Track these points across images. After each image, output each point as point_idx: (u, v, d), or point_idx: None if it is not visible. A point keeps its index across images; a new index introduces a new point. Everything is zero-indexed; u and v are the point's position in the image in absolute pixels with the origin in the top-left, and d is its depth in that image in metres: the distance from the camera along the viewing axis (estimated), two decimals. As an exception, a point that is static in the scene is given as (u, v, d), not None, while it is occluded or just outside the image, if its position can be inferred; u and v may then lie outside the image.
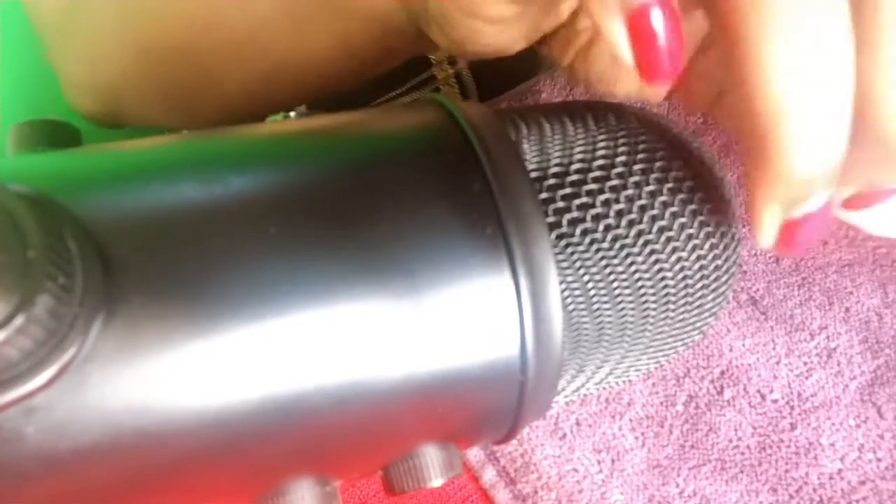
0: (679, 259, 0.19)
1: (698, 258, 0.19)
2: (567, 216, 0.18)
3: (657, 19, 0.15)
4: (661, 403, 0.28)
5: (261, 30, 0.30)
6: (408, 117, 0.19)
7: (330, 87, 0.33)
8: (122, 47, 0.34)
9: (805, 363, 0.29)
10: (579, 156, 0.19)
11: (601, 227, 0.18)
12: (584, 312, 0.18)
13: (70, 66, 0.37)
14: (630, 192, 0.18)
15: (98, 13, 0.34)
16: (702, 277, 0.19)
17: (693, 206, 0.19)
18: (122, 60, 0.34)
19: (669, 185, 0.19)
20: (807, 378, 0.28)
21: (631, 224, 0.18)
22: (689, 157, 0.20)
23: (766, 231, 0.17)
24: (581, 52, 0.23)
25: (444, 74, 0.48)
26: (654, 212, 0.18)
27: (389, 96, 0.47)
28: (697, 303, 0.20)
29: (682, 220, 0.19)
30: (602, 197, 0.18)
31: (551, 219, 0.18)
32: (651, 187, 0.18)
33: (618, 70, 0.23)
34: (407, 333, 0.16)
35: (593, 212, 0.18)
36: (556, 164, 0.19)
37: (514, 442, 0.28)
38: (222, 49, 0.31)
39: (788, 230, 0.16)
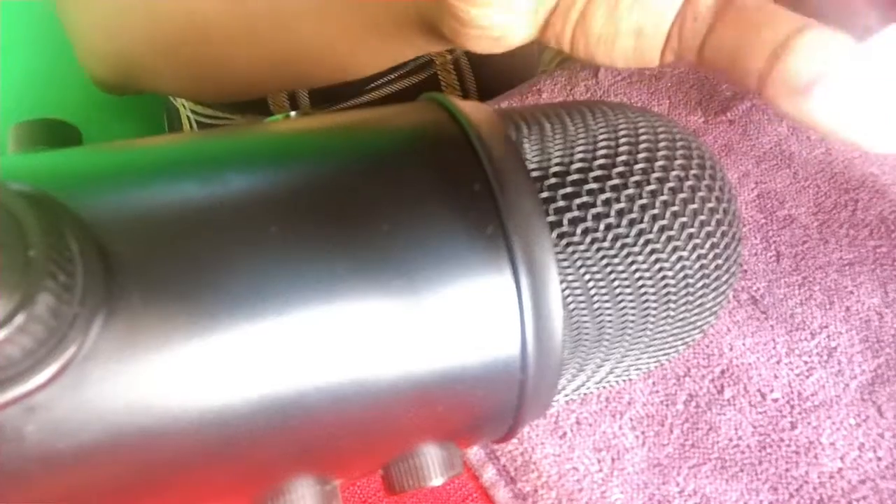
0: (680, 258, 0.19)
1: (699, 257, 0.19)
2: (568, 215, 0.18)
3: None
4: (662, 402, 0.28)
5: (276, 18, 0.30)
6: (408, 117, 0.19)
7: (337, 77, 0.34)
8: (141, 20, 0.34)
9: (805, 362, 0.29)
10: (580, 155, 0.19)
11: (602, 227, 0.18)
12: (584, 311, 0.18)
13: (85, 32, 0.37)
14: (631, 191, 0.18)
15: None
16: (702, 276, 0.19)
17: (694, 206, 0.19)
18: (139, 32, 0.35)
19: (670, 184, 0.19)
20: (807, 377, 0.28)
21: (632, 223, 0.18)
22: (690, 157, 0.20)
23: None
24: (579, 20, 0.23)
25: (443, 60, 0.48)
26: (655, 211, 0.18)
27: (389, 78, 0.47)
28: (698, 302, 0.20)
29: (683, 219, 0.19)
30: (603, 196, 0.18)
31: (552, 218, 0.18)
32: (652, 186, 0.18)
33: (614, 27, 0.23)
34: (407, 332, 0.16)
35: (594, 211, 0.18)
36: (557, 164, 0.19)
37: (515, 441, 0.28)
38: (239, 32, 0.32)
39: None
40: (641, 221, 0.18)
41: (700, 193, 0.19)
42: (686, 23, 0.22)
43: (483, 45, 0.24)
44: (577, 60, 0.25)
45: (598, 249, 0.18)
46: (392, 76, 0.47)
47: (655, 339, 0.20)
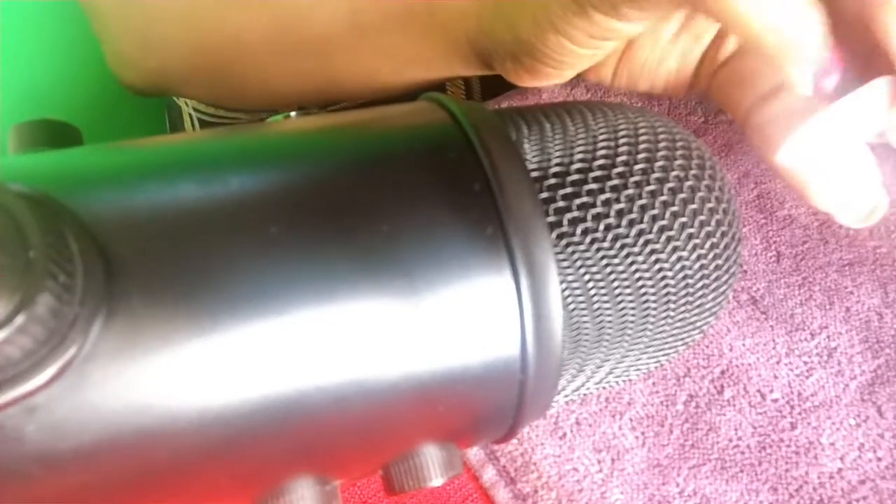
0: (680, 259, 0.19)
1: (699, 258, 0.19)
2: (568, 216, 0.18)
3: None
4: (662, 403, 0.28)
5: (319, 48, 0.31)
6: (409, 117, 0.19)
7: (376, 95, 0.34)
8: (182, 36, 0.35)
9: (805, 363, 0.29)
10: (580, 155, 0.19)
11: (602, 227, 0.18)
12: (584, 312, 0.18)
13: (121, 45, 0.38)
14: (631, 191, 0.18)
15: (159, 6, 0.35)
16: (702, 277, 0.19)
17: (694, 206, 0.19)
18: (179, 47, 0.35)
19: (670, 184, 0.19)
20: (807, 377, 0.28)
21: (632, 223, 0.18)
22: (690, 157, 0.20)
23: None
24: (625, 52, 0.25)
25: None
26: (655, 211, 0.18)
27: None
28: (698, 302, 0.20)
29: (683, 219, 0.19)
30: (603, 196, 0.18)
31: (552, 218, 0.18)
32: (652, 187, 0.18)
33: (657, 56, 0.25)
34: (407, 333, 0.16)
35: (594, 211, 0.18)
36: (557, 164, 0.19)
37: (514, 441, 0.28)
38: (281, 60, 0.33)
39: None
40: (641, 222, 0.18)
41: (700, 194, 0.19)
42: (709, 54, 0.24)
43: (533, 82, 0.25)
44: (617, 89, 0.27)
45: (598, 250, 0.18)
46: None
47: (655, 340, 0.20)
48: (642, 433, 0.28)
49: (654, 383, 0.29)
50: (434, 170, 0.17)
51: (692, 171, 0.19)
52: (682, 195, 0.19)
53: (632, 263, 0.18)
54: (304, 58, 0.32)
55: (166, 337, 0.14)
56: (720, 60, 0.24)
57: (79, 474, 0.15)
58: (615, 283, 0.18)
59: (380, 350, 0.16)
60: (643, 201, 0.18)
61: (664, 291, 0.19)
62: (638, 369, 0.21)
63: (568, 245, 0.18)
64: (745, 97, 0.23)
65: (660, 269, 0.19)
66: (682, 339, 0.21)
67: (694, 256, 0.19)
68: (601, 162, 0.19)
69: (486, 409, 0.18)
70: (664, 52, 0.25)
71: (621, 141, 0.19)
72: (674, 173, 0.19)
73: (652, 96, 0.35)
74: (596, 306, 0.18)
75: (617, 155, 0.19)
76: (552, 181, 0.18)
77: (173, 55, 0.36)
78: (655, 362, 0.21)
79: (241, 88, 0.36)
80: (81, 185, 0.16)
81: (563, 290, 0.18)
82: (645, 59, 0.25)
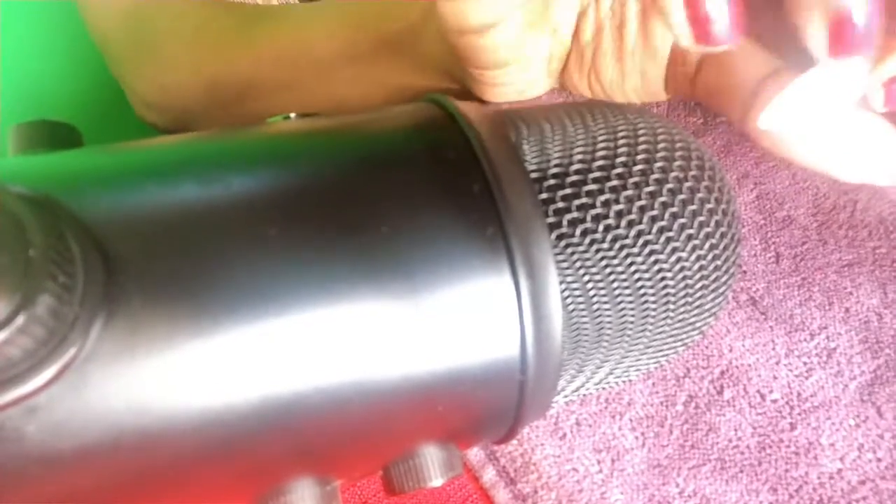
0: (679, 259, 0.19)
1: (698, 258, 0.19)
2: (567, 216, 0.18)
3: None
4: (661, 403, 0.28)
5: (324, 73, 0.34)
6: (408, 118, 0.19)
7: None
8: (196, 79, 0.38)
9: (805, 363, 0.29)
10: (579, 156, 0.19)
11: (601, 228, 0.18)
12: (583, 312, 0.18)
13: (140, 86, 0.41)
14: (630, 192, 0.18)
15: (173, 47, 0.38)
16: (701, 277, 0.19)
17: (693, 207, 0.19)
18: (194, 89, 0.38)
19: (669, 185, 0.19)
20: (806, 378, 0.28)
21: (631, 224, 0.18)
22: (689, 158, 0.20)
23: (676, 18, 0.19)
24: (591, 69, 0.26)
25: None
26: (654, 212, 0.18)
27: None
28: (697, 303, 0.20)
29: (682, 220, 0.19)
30: (602, 197, 0.18)
31: (551, 219, 0.18)
32: (651, 188, 0.18)
33: (623, 67, 0.25)
34: (407, 334, 0.16)
35: (593, 212, 0.18)
36: (556, 165, 0.19)
37: (514, 442, 0.28)
38: (288, 87, 0.35)
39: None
40: (640, 223, 0.18)
41: (699, 195, 0.19)
42: (677, 66, 0.24)
43: (508, 98, 0.27)
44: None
45: (598, 251, 0.18)
46: None
47: (655, 340, 0.20)
48: (642, 433, 0.28)
49: (653, 384, 0.29)
50: (433, 171, 0.17)
51: (691, 172, 0.19)
52: (681, 196, 0.19)
53: (631, 264, 0.18)
54: (308, 88, 0.34)
55: (166, 337, 0.14)
56: (689, 71, 0.24)
57: (79, 474, 0.15)
58: (614, 284, 0.18)
59: (380, 351, 0.16)
60: (642, 202, 0.18)
61: (663, 292, 0.19)
62: (638, 370, 0.21)
63: (567, 246, 0.18)
64: (732, 102, 0.23)
65: (659, 270, 0.19)
66: (681, 339, 0.21)
67: (693, 257, 0.19)
68: (600, 163, 0.19)
69: (486, 409, 0.18)
70: (625, 69, 0.26)
71: (620, 142, 0.19)
72: (673, 174, 0.19)
73: None
74: (595, 307, 0.18)
75: (616, 156, 0.19)
76: (551, 182, 0.18)
77: (189, 97, 0.38)
78: (655, 363, 0.21)
79: (251, 118, 0.38)
80: (82, 185, 0.16)
81: (563, 291, 0.18)
82: (609, 77, 0.26)
